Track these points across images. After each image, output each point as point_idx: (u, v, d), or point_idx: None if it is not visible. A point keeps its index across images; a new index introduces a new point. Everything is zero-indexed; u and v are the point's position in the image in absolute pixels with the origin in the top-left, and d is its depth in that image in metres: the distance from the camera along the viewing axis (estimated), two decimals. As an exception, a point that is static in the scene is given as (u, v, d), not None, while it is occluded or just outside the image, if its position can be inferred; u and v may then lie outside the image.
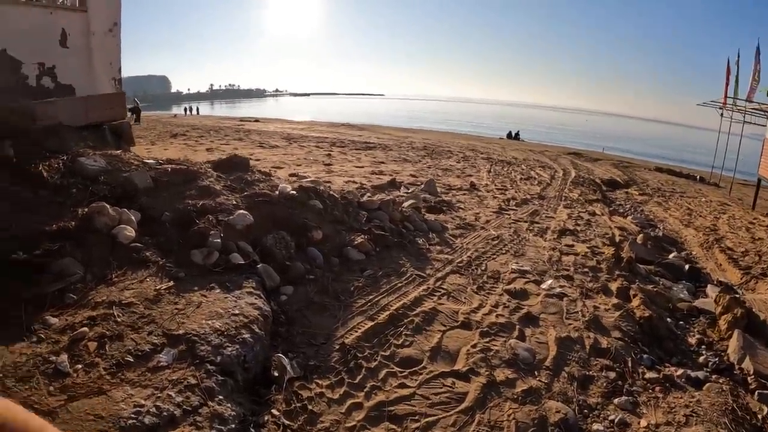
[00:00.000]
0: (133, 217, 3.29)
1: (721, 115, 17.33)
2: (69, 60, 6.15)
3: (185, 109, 47.47)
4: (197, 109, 49.03)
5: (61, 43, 6.08)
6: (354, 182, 8.02)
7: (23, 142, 3.90)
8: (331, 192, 4.62)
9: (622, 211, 8.69)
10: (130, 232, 3.13)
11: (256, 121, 28.36)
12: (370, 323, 3.14)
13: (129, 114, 12.52)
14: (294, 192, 4.14)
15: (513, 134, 31.97)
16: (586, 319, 3.52)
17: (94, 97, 5.06)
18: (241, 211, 3.58)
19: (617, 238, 5.98)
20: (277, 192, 4.08)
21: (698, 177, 16.80)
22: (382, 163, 11.23)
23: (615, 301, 3.89)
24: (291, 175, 8.35)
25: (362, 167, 10.25)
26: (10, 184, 3.29)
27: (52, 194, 3.37)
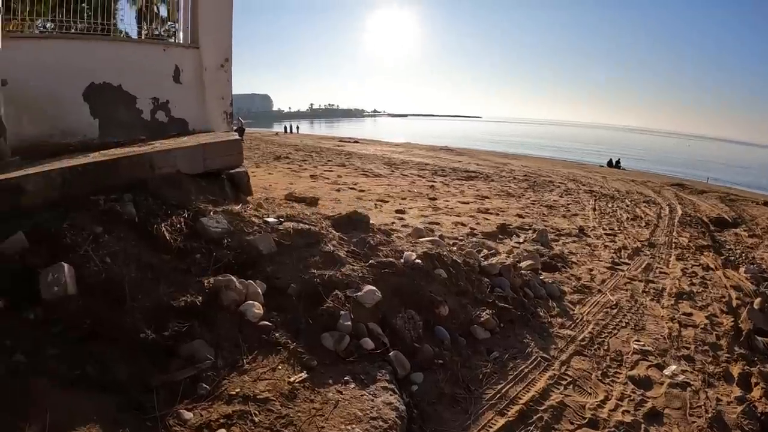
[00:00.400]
0: (259, 290, 3.11)
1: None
2: (182, 95, 6.41)
3: (285, 128, 49.66)
4: (297, 128, 51.09)
5: (174, 78, 6.35)
6: (462, 224, 7.65)
7: (142, 194, 3.87)
8: (455, 258, 4.23)
9: (733, 258, 7.59)
10: (258, 309, 2.94)
11: (356, 142, 29.04)
12: (501, 420, 2.88)
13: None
14: (419, 261, 3.81)
15: (614, 162, 29.93)
16: (709, 416, 3.23)
17: (212, 144, 5.11)
18: (370, 287, 3.30)
19: (734, 302, 5.37)
20: (401, 260, 3.79)
21: (808, 213, 14.40)
22: (486, 198, 10.79)
23: (737, 392, 3.56)
24: (397, 211, 8.27)
25: (467, 203, 9.90)
26: (134, 247, 3.22)
27: (175, 259, 3.25)
